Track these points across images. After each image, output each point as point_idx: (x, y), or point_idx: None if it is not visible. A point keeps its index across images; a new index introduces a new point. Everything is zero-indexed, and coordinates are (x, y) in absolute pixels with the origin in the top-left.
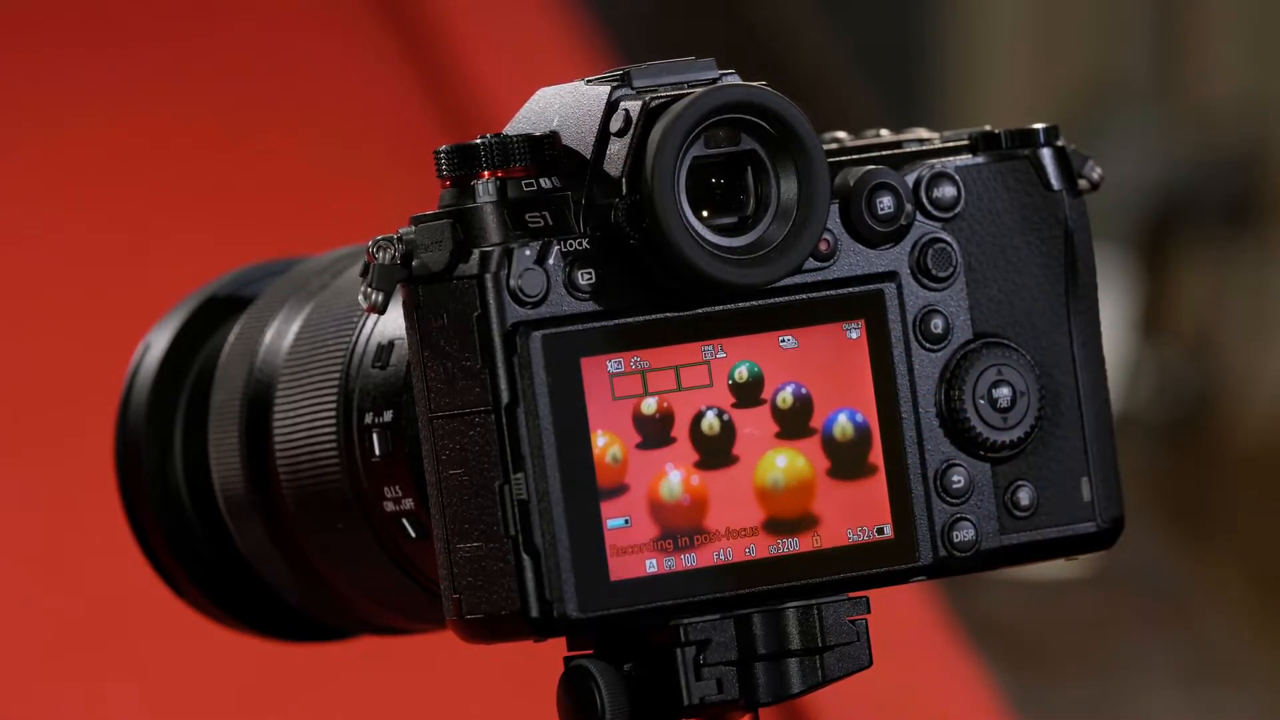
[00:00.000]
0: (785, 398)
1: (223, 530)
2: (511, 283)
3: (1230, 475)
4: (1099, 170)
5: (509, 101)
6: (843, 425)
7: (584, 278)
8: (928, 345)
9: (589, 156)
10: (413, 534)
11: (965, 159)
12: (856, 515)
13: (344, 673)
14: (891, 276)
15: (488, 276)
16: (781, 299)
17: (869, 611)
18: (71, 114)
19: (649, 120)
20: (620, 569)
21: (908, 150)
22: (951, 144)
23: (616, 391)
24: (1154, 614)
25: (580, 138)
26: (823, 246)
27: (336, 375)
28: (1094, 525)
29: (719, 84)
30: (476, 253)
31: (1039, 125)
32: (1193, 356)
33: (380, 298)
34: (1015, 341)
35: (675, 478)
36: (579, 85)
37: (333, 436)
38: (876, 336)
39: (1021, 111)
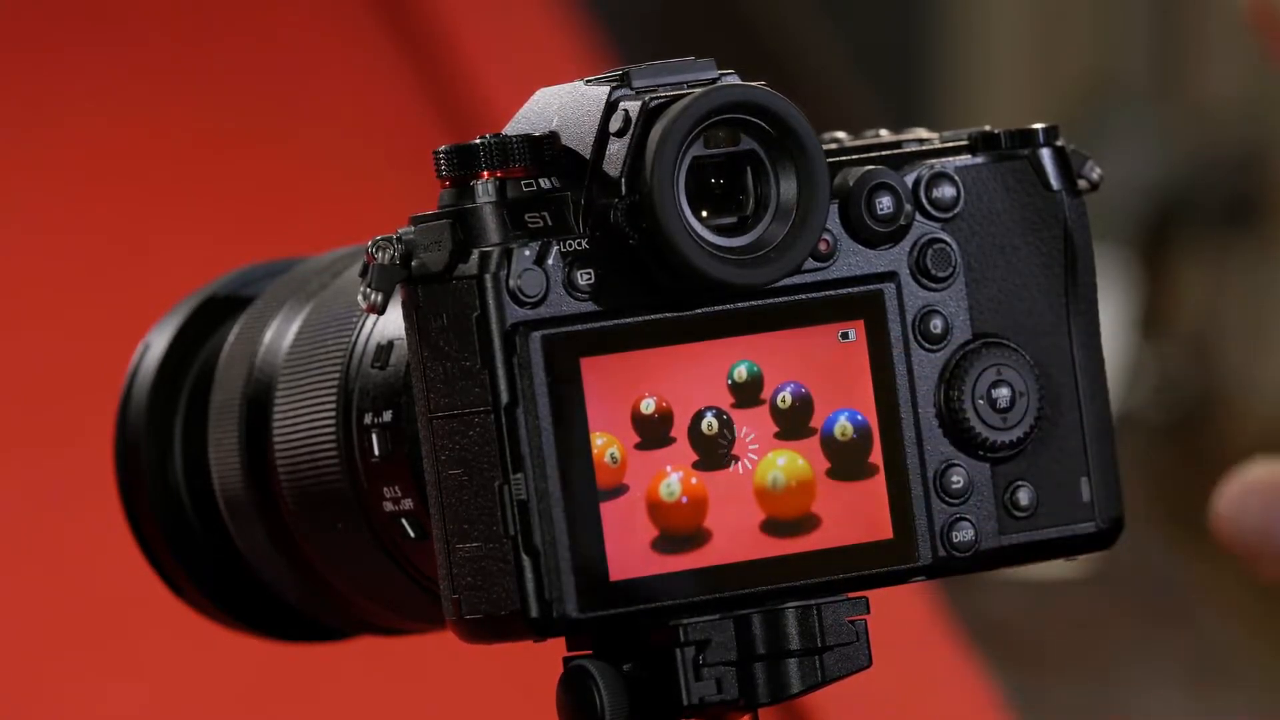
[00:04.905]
0: (785, 398)
1: (223, 530)
2: (511, 283)
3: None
4: (1098, 170)
5: (509, 101)
6: (843, 426)
7: (583, 278)
8: (927, 345)
9: (588, 157)
10: (412, 534)
11: (965, 159)
12: (856, 516)
13: (344, 673)
14: (891, 277)
15: (487, 277)
16: (781, 299)
17: (869, 612)
18: (71, 114)
19: (648, 120)
20: (620, 569)
21: (907, 150)
22: (951, 144)
23: (615, 392)
24: (1154, 614)
25: (580, 138)
26: (822, 247)
27: (336, 375)
28: (1093, 525)
29: (718, 84)
30: (476, 253)
31: (1039, 125)
32: (1193, 356)
33: (380, 298)
34: (1015, 342)
35: (674, 478)
36: (578, 85)
37: (332, 437)
38: (876, 337)
39: (1021, 111)
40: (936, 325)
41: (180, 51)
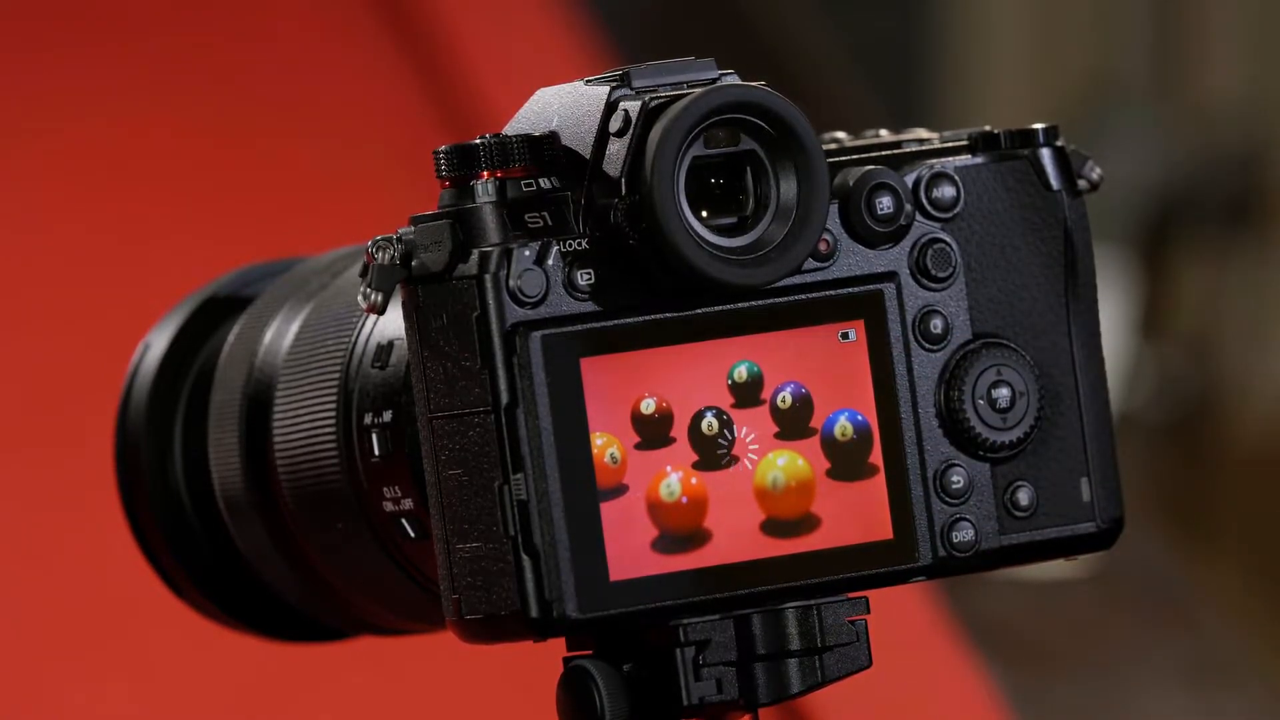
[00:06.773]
0: (785, 398)
1: (223, 530)
2: (511, 283)
3: (1230, 475)
4: (1098, 170)
5: (509, 101)
6: (843, 426)
7: (583, 278)
8: (927, 345)
9: (588, 157)
10: (412, 534)
11: (965, 159)
12: (856, 516)
13: (344, 673)
14: (891, 277)
15: (487, 277)
16: (781, 299)
17: (869, 612)
18: (71, 114)
19: (648, 120)
20: (620, 569)
21: (907, 150)
22: (951, 144)
23: (615, 392)
24: (1154, 614)
25: (580, 138)
26: (822, 247)
27: (336, 375)
28: (1093, 525)
29: (718, 84)
30: (476, 253)
31: (1039, 125)
32: (1193, 356)
33: (380, 298)
34: (1015, 342)
35: (674, 478)
36: (578, 85)
37: (332, 437)
38: (876, 337)
39: (1021, 111)
40: (936, 325)
41: (180, 51)
